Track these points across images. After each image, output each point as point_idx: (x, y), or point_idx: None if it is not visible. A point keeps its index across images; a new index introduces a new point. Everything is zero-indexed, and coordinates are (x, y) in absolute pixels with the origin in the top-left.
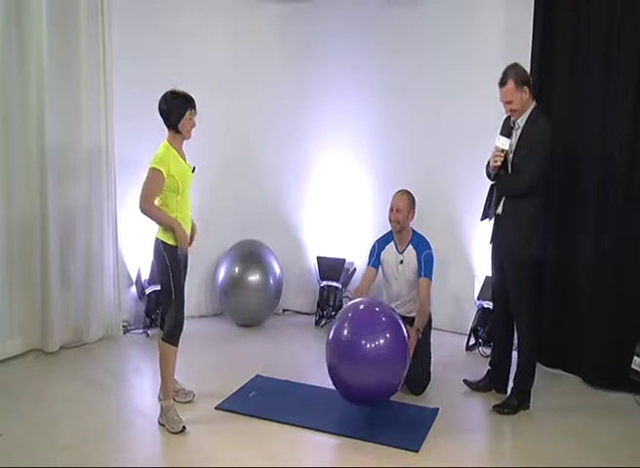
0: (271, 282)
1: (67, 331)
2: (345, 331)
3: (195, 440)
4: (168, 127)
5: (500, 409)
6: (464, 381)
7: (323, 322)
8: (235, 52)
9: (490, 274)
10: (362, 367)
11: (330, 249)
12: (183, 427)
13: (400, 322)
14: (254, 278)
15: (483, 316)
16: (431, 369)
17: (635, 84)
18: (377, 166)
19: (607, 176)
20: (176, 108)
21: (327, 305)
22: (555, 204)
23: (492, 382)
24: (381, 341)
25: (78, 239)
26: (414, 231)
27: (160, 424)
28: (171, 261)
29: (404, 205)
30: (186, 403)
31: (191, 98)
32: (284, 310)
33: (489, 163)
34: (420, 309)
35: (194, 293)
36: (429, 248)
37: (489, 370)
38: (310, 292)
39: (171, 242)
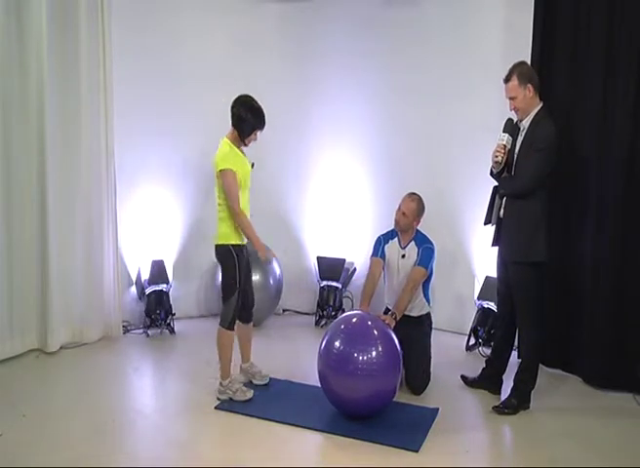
0: (271, 282)
1: (67, 331)
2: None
3: (195, 440)
4: (234, 127)
5: (501, 409)
6: (461, 377)
7: (323, 322)
8: (235, 52)
9: (490, 274)
10: (352, 383)
11: (330, 249)
12: (253, 394)
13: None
14: (254, 278)
15: (483, 316)
16: (431, 369)
17: (635, 83)
18: (377, 166)
19: (607, 177)
20: (249, 122)
21: (327, 305)
22: (556, 204)
23: (485, 381)
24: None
25: (78, 239)
26: (418, 230)
27: (220, 400)
28: (239, 259)
29: (411, 210)
30: (263, 386)
31: (264, 119)
32: (284, 310)
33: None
34: (401, 294)
35: (194, 293)
36: (430, 243)
37: (483, 369)
38: (310, 292)
39: (236, 241)
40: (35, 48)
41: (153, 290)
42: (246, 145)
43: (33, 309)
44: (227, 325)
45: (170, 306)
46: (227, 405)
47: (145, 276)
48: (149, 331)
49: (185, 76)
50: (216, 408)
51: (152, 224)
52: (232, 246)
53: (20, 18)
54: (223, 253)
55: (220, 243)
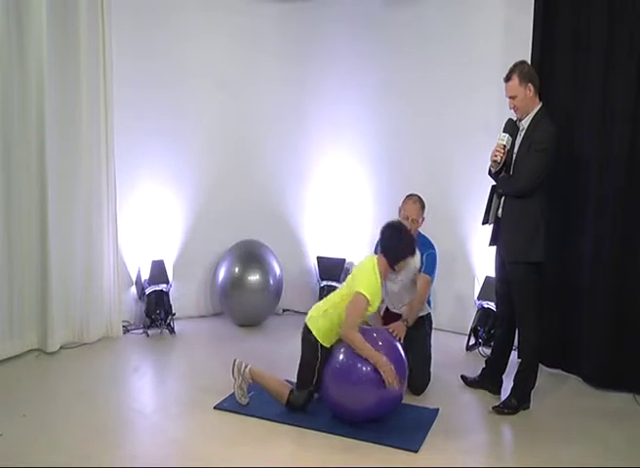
0: (271, 282)
1: (67, 331)
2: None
3: (194, 440)
4: (383, 254)
5: (501, 409)
6: (461, 377)
7: None
8: (235, 52)
9: (490, 274)
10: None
11: (330, 249)
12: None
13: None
14: (254, 278)
15: (483, 316)
16: (431, 369)
17: (635, 83)
18: (377, 166)
19: (607, 177)
20: (399, 251)
21: None
22: (555, 204)
23: (485, 381)
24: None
25: (78, 239)
26: (419, 233)
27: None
28: (321, 360)
29: (418, 212)
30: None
31: (414, 249)
32: (284, 310)
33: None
34: (413, 302)
35: (194, 293)
36: (433, 248)
37: (483, 369)
38: (310, 292)
39: (326, 343)
40: (35, 48)
41: (153, 290)
42: (395, 271)
43: (33, 309)
44: (288, 401)
45: (170, 306)
46: (227, 404)
47: (145, 276)
48: (149, 331)
49: (185, 76)
50: (216, 408)
51: (152, 224)
52: (321, 346)
53: (20, 18)
54: (311, 344)
55: (313, 331)
